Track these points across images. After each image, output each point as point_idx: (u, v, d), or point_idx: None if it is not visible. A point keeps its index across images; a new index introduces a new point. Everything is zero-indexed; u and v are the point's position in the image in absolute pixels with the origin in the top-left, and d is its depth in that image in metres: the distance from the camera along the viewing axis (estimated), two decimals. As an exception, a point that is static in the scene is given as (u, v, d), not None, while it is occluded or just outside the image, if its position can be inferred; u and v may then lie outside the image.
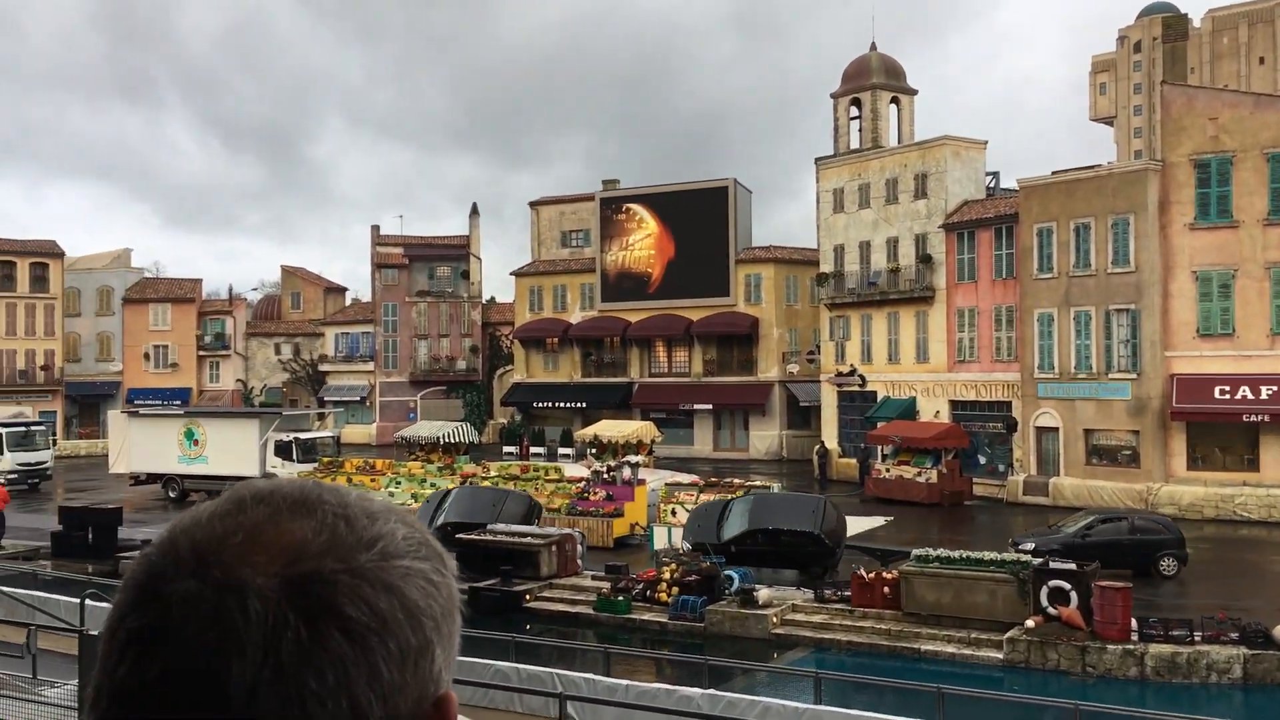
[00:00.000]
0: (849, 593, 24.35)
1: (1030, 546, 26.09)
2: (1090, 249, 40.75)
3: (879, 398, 49.92)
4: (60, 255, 74.43)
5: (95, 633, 12.43)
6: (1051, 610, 22.02)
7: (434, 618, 0.87)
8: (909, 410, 47.76)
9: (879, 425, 46.57)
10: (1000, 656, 21.75)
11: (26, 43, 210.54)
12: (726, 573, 25.30)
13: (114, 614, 0.86)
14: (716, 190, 62.86)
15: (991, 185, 49.67)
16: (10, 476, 46.65)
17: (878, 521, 37.23)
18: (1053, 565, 22.85)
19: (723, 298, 61.94)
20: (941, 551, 24.25)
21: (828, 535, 26.65)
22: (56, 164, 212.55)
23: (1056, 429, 41.88)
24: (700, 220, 62.39)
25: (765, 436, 60.67)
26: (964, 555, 23.89)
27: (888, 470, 43.30)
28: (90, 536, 31.14)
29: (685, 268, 62.76)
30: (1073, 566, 22.73)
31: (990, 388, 45.35)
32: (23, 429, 50.48)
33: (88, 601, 17.36)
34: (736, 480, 33.88)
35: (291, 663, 0.80)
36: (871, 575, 24.36)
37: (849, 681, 19.53)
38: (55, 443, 58.11)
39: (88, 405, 73.83)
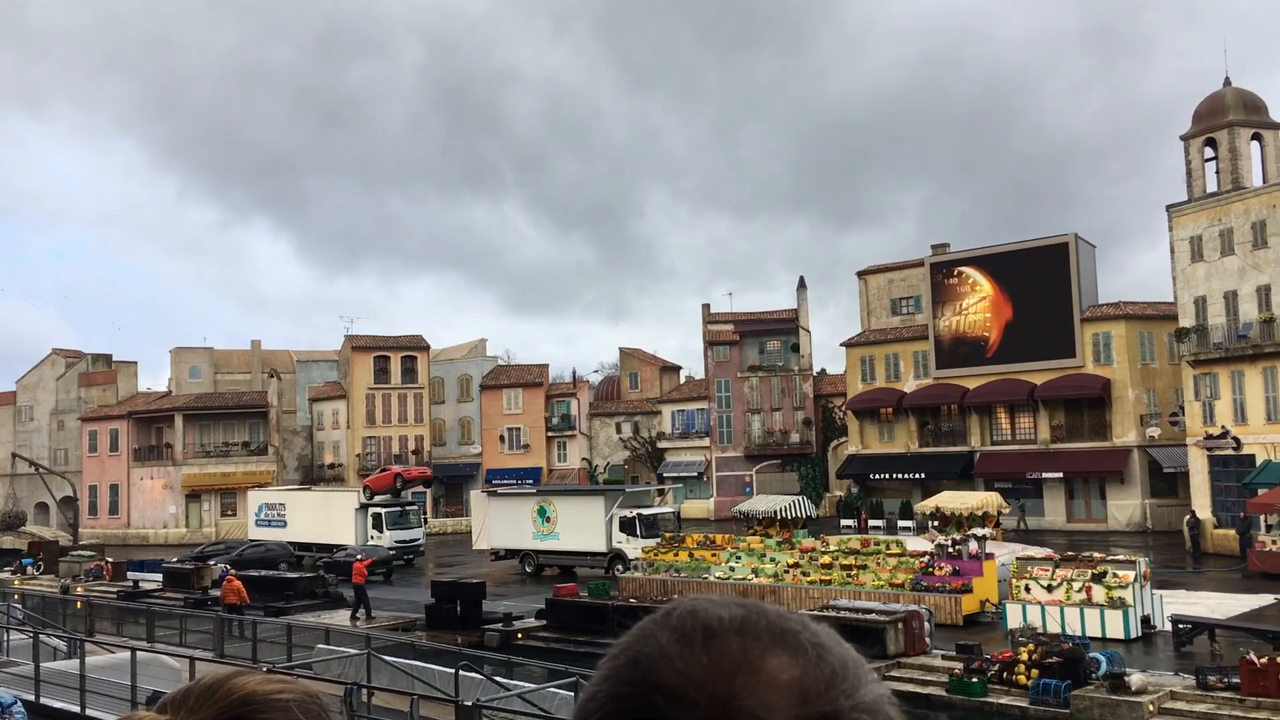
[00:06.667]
0: (1237, 679, 21.96)
1: None
2: None
3: (1258, 461, 45.15)
4: (426, 348, 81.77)
5: (469, 704, 13.25)
6: None
7: None
8: (1295, 475, 42.86)
9: (1260, 492, 42.07)
10: None
11: (378, 138, 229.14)
12: (1093, 655, 23.51)
13: None
14: (1055, 247, 59.89)
15: (1381, 219, 44.29)
16: (390, 553, 51.00)
17: (1266, 600, 33.44)
18: None
19: (1068, 359, 58.58)
20: (1350, 636, 21.42)
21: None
22: (408, 256, 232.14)
23: None
24: (1039, 279, 59.58)
25: (1125, 506, 56.36)
26: (1379, 640, 20.98)
27: (1274, 542, 38.95)
28: (459, 609, 33.45)
29: (1025, 330, 60.00)
30: None
31: (1396, 447, 39.93)
32: (399, 509, 54.99)
33: (461, 673, 18.59)
34: (1096, 555, 31.47)
35: None
36: (1263, 660, 21.83)
37: (1245, 782, 17.48)
38: (426, 521, 63.14)
39: (452, 485, 79.94)
